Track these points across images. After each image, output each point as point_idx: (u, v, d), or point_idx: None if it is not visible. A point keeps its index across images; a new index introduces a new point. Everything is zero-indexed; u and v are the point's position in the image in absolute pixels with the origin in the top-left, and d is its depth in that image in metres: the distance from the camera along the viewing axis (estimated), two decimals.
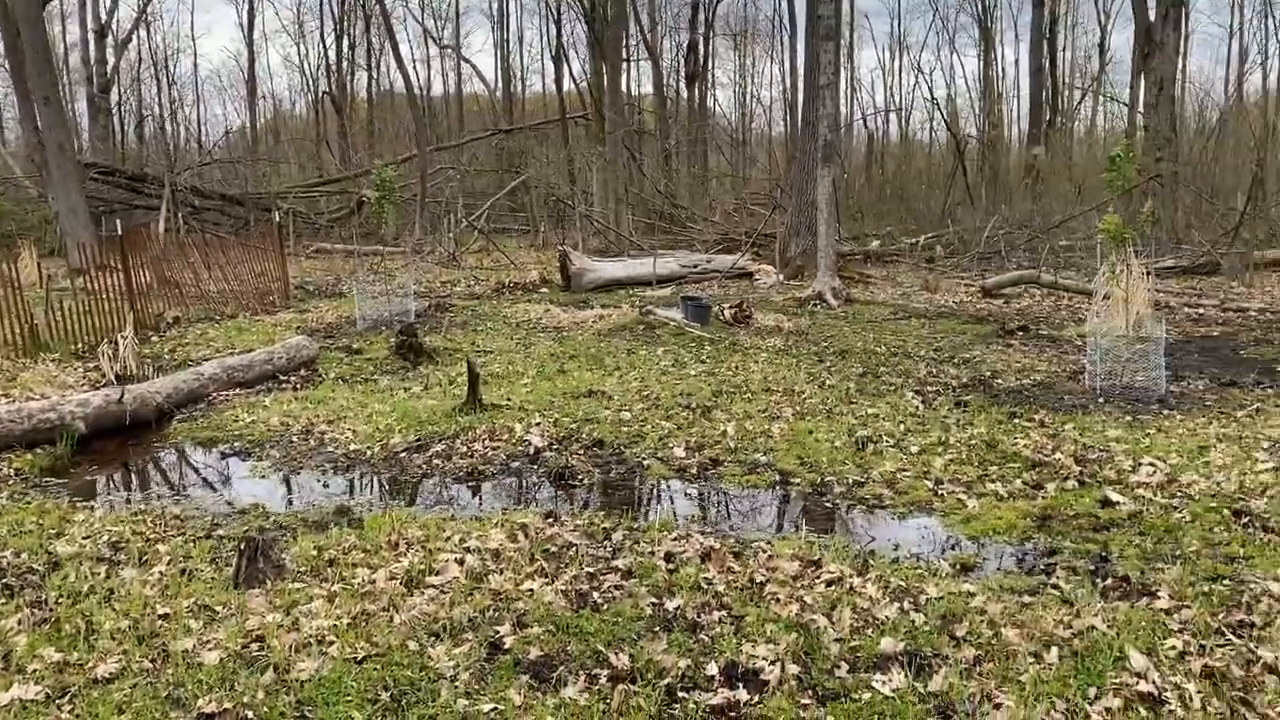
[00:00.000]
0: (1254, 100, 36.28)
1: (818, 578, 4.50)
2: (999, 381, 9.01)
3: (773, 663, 3.63)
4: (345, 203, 28.12)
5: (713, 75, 44.52)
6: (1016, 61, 56.10)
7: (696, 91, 39.54)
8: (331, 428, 7.70)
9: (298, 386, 9.35)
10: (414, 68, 46.51)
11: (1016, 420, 7.43)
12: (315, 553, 4.91)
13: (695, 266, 17.89)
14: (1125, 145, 8.40)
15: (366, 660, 3.73)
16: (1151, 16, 21.18)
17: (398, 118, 40.37)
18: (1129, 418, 7.45)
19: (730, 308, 12.65)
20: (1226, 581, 4.40)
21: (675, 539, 5.06)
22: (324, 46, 43.86)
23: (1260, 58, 55.85)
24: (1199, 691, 3.40)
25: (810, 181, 16.73)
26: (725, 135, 44.51)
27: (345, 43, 42.42)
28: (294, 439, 7.49)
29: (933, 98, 46.56)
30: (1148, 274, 12.76)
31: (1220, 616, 4.01)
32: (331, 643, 3.87)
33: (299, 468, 6.85)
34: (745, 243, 19.36)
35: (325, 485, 6.48)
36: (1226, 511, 5.30)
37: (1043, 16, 32.08)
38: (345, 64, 42.49)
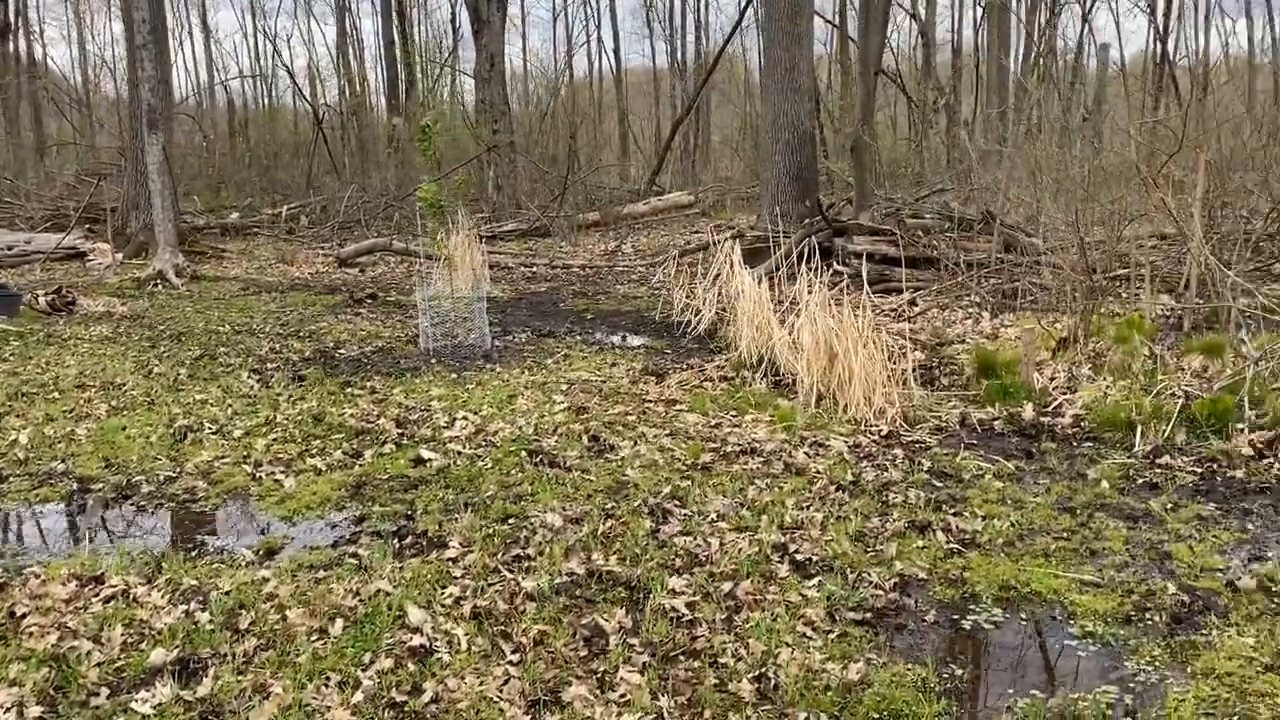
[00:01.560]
0: (582, 78, 41.09)
1: (96, 596, 4.01)
2: (342, 352, 9.01)
3: (9, 709, 3.12)
4: None
5: (41, 29, 38.69)
6: (376, 33, 56.90)
7: (15, 47, 34.00)
8: None
9: None
10: None
11: (350, 389, 7.47)
12: None
13: (11, 249, 15.42)
14: (434, 115, 8.83)
15: None
16: None
17: None
18: (455, 375, 7.89)
19: (46, 294, 11.06)
20: (512, 520, 4.79)
21: None
22: None
23: (582, 39, 63.35)
24: (466, 634, 3.61)
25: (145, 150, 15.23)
26: (67, 98, 39.02)
27: None
28: None
29: (289, 65, 45.52)
30: (483, 238, 13.72)
31: (499, 555, 4.34)
32: None
33: None
34: (74, 218, 17.14)
35: None
36: (523, 453, 5.80)
37: None
38: None
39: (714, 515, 4.80)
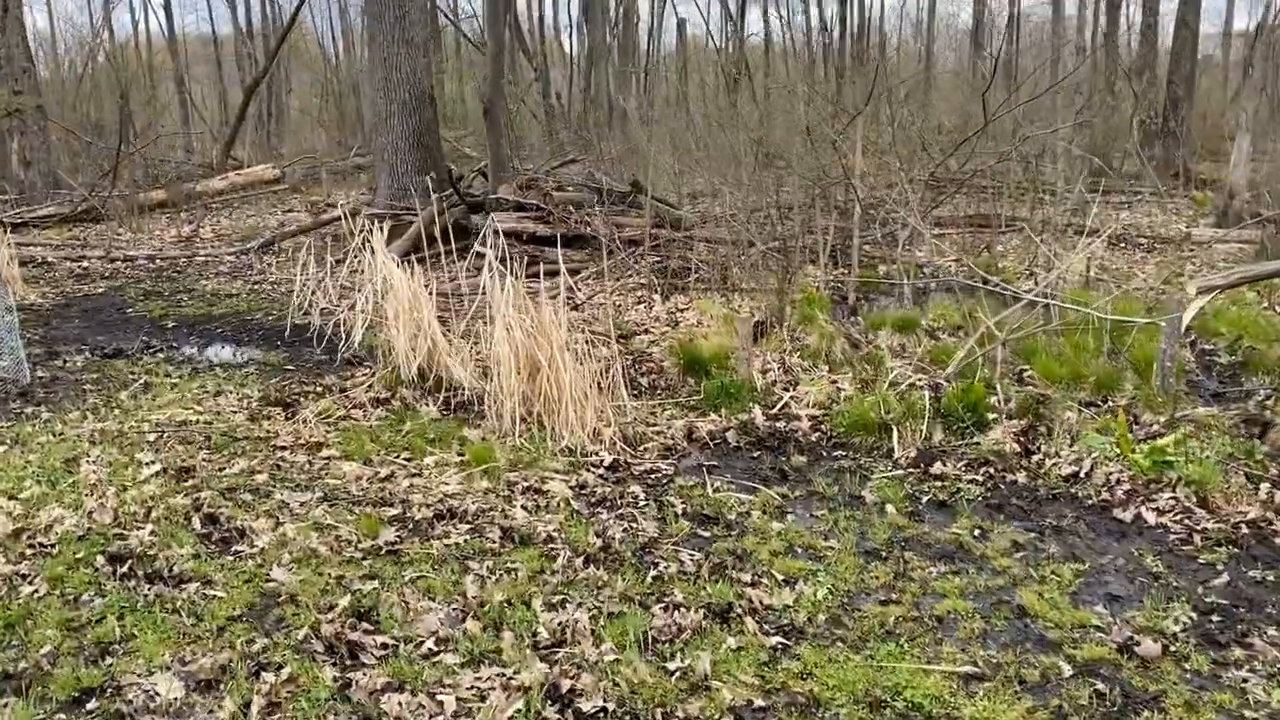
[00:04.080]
0: (126, 40, 35.51)
1: None
2: None
3: None
4: None
5: None
6: None
7: None
8: None
9: None
10: None
11: None
12: None
13: None
14: None
15: None
16: None
17: None
18: None
19: None
20: (96, 704, 2.87)
21: None
22: None
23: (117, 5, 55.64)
24: None
25: None
26: None
27: None
28: None
29: None
30: (9, 227, 10.62)
31: None
32: None
33: None
34: None
35: None
36: (101, 559, 3.77)
37: None
38: None
39: (430, 642, 3.20)
